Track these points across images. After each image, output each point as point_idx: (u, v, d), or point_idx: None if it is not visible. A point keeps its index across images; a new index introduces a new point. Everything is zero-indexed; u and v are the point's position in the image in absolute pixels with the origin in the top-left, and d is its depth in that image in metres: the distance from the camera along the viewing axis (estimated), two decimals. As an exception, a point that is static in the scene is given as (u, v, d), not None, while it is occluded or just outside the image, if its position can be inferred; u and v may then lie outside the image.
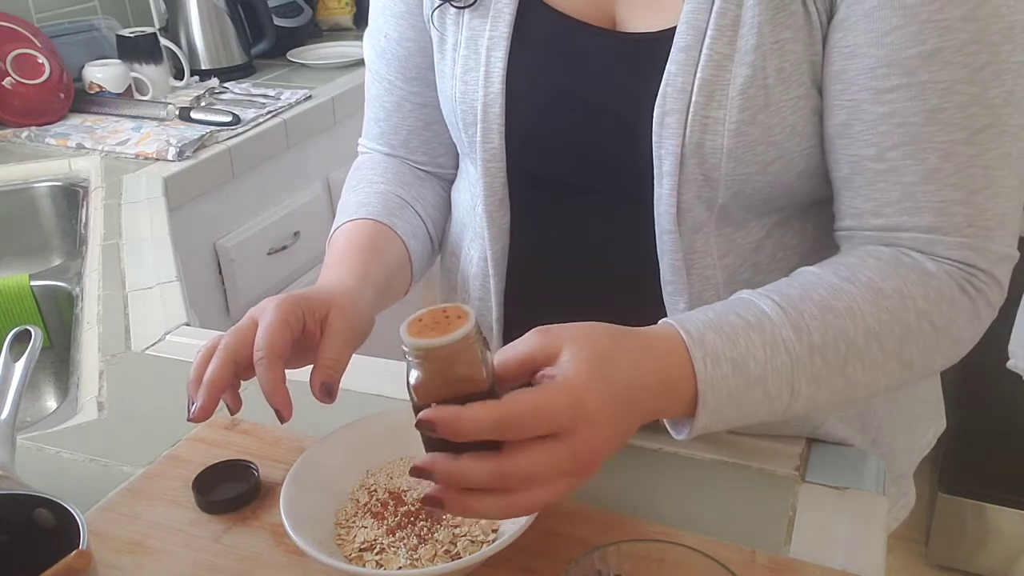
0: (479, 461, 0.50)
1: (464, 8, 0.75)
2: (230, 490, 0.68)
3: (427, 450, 0.52)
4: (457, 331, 0.50)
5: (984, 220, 0.62)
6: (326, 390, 0.63)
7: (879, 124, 0.62)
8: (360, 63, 2.00)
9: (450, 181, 0.91)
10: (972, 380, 1.83)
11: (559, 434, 0.50)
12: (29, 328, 0.73)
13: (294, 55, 2.09)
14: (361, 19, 2.38)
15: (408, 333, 0.51)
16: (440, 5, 0.76)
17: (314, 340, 0.65)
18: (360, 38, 2.23)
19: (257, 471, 0.69)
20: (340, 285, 0.71)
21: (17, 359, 0.71)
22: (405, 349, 0.51)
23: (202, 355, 0.64)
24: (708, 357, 0.56)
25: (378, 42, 0.85)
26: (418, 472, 0.51)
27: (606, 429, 0.52)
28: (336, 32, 2.37)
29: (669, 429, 0.61)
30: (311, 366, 0.65)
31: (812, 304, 0.60)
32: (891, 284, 0.61)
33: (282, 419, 0.62)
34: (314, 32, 2.32)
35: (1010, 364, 1.58)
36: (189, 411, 0.62)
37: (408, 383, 0.52)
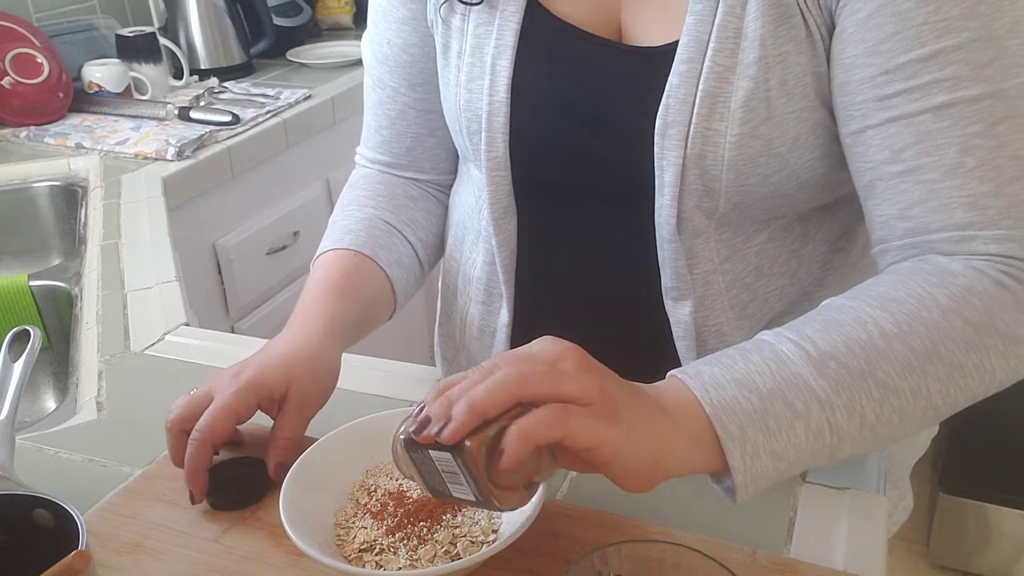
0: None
1: (471, 5, 0.74)
2: (238, 488, 0.68)
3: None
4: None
5: (1021, 210, 0.59)
6: (279, 471, 0.66)
7: (888, 127, 0.61)
8: (360, 62, 2.00)
9: (449, 187, 0.91)
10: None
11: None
12: (28, 328, 0.73)
13: (294, 55, 2.09)
14: (361, 19, 2.38)
15: None
16: (445, 2, 0.75)
17: (273, 414, 0.70)
18: (360, 37, 2.24)
19: (265, 468, 0.69)
20: (302, 346, 0.72)
21: (16, 359, 0.71)
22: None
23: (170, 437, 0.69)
24: (708, 384, 0.54)
25: (380, 48, 0.83)
26: (419, 428, 0.51)
27: (605, 373, 0.53)
28: (336, 31, 2.37)
29: (723, 495, 0.56)
30: None
31: (814, 323, 0.58)
32: (905, 291, 0.59)
33: (192, 500, 0.66)
34: (314, 32, 2.32)
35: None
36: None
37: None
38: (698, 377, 0.55)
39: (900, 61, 0.59)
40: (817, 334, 0.56)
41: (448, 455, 0.50)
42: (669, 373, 0.57)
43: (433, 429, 0.50)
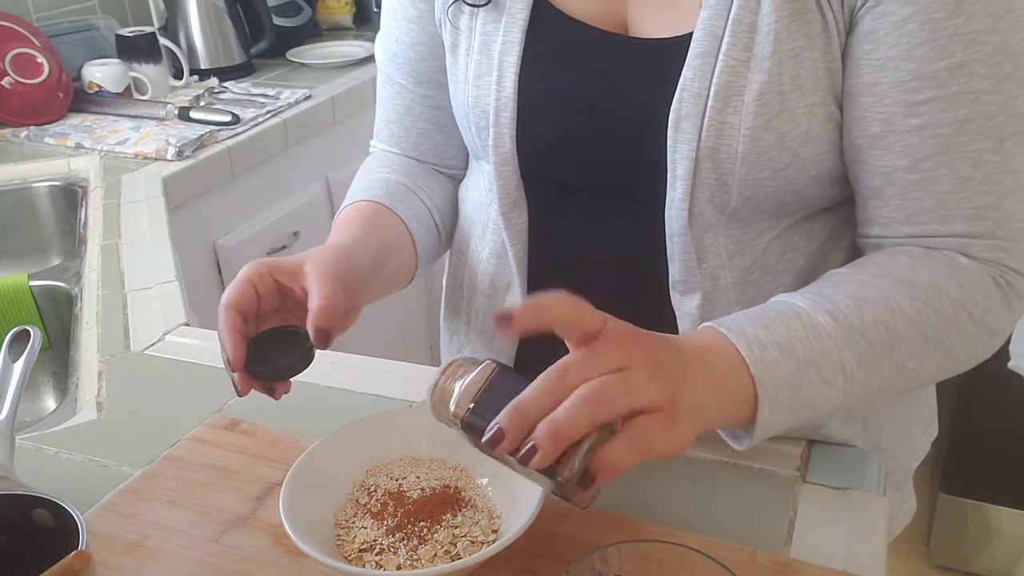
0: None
1: (478, 7, 0.75)
2: (277, 355, 0.66)
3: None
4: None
5: (1013, 223, 0.63)
6: (321, 337, 0.63)
7: (912, 136, 0.63)
8: (360, 62, 2.01)
9: (459, 180, 0.91)
10: (973, 380, 1.83)
11: (600, 335, 0.53)
12: (28, 328, 0.73)
13: (294, 55, 2.09)
14: (361, 19, 2.38)
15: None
16: (453, 4, 0.76)
17: (296, 299, 0.67)
18: (360, 37, 2.24)
19: (306, 335, 0.65)
20: (321, 247, 0.72)
21: (16, 359, 0.71)
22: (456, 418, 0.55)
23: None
24: (753, 344, 0.58)
25: (389, 46, 0.85)
26: (492, 439, 0.50)
27: (650, 338, 0.55)
28: (336, 31, 2.37)
29: (729, 441, 0.61)
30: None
31: (845, 296, 0.62)
32: (924, 277, 0.63)
33: (231, 368, 0.63)
34: (314, 31, 2.31)
35: (1011, 364, 1.58)
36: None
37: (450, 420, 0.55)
38: (743, 336, 0.58)
39: (931, 69, 0.61)
40: (848, 308, 0.60)
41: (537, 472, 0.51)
42: (711, 326, 0.60)
43: (519, 450, 0.50)
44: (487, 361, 0.55)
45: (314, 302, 0.64)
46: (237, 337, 0.63)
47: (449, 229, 0.91)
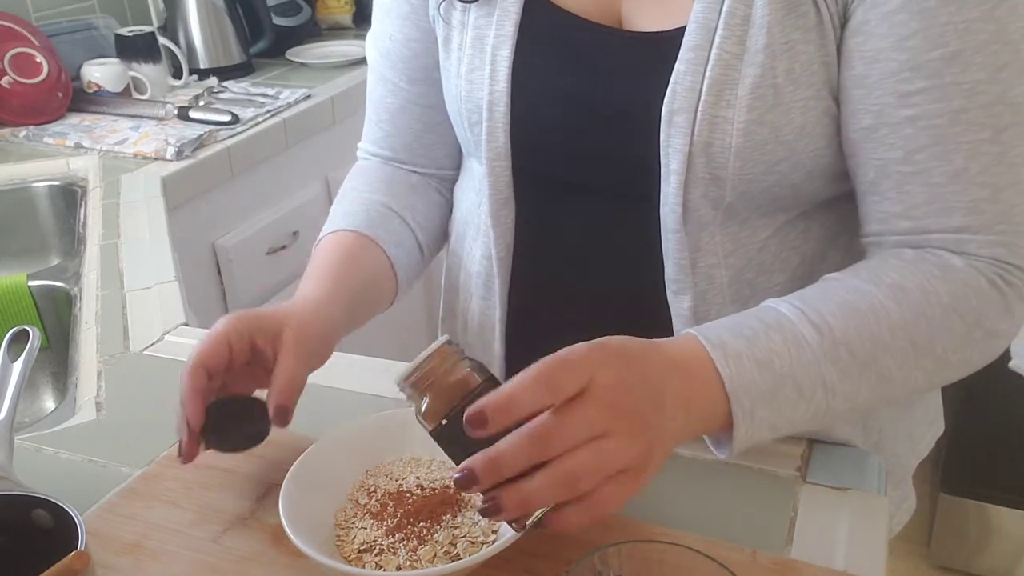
0: (510, 436, 0.50)
1: (470, 3, 0.74)
2: (236, 427, 0.66)
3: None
4: (426, 351, 0.55)
5: (1013, 216, 0.62)
6: (279, 414, 0.64)
7: (905, 127, 0.62)
8: (359, 62, 2.00)
9: (450, 183, 0.91)
10: (974, 380, 1.80)
11: (583, 392, 0.51)
12: (27, 328, 0.73)
13: (293, 54, 2.08)
14: (360, 18, 2.38)
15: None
16: (444, 0, 0.76)
17: (267, 359, 0.67)
18: (360, 37, 2.24)
19: (265, 409, 0.65)
20: (302, 305, 0.72)
21: (15, 359, 0.71)
22: (400, 389, 0.56)
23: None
24: (730, 359, 0.57)
25: (383, 44, 0.85)
26: (462, 481, 0.50)
27: (628, 375, 0.52)
28: (335, 31, 2.37)
29: (712, 447, 0.61)
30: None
31: (832, 304, 0.61)
32: (913, 282, 0.61)
33: (187, 432, 0.64)
34: (313, 31, 2.31)
35: (1012, 364, 1.58)
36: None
37: (418, 419, 0.55)
38: (721, 349, 0.57)
39: (924, 59, 0.60)
40: (835, 318, 0.60)
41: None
42: (692, 335, 0.59)
43: (483, 505, 0.51)
44: (467, 370, 0.56)
45: (278, 378, 0.65)
46: (198, 401, 0.64)
47: (433, 246, 0.91)
